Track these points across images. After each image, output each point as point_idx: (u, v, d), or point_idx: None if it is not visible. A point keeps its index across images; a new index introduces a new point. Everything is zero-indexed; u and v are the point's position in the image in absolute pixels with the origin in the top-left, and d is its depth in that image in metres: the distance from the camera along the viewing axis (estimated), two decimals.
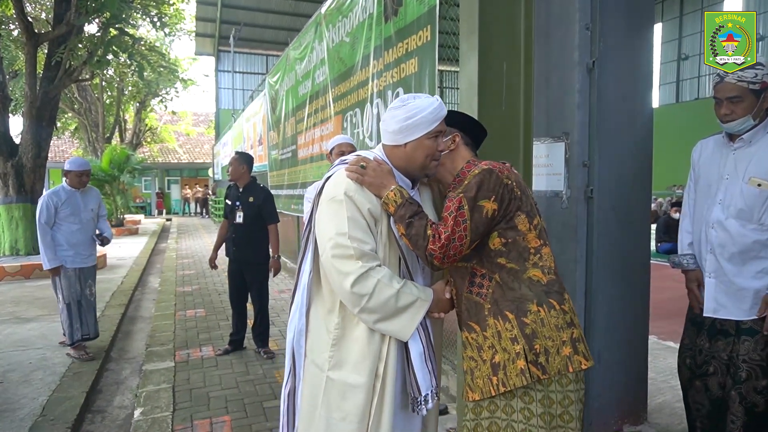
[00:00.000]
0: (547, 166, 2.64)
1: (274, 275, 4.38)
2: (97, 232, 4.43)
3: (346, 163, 1.64)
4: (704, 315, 2.21)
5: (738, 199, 2.09)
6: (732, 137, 2.17)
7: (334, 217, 1.54)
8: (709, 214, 2.19)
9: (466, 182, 1.53)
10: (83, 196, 4.28)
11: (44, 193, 9.00)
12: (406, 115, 1.57)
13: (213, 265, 4.62)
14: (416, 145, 1.59)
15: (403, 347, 1.59)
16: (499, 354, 1.50)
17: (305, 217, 3.03)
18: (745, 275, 2.09)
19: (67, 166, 4.23)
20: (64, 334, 4.28)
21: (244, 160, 4.41)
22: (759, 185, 2.04)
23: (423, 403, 1.59)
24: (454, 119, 1.72)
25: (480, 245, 1.54)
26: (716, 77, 2.15)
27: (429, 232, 1.49)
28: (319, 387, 1.60)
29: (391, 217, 1.56)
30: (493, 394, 1.50)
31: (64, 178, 4.29)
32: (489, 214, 1.49)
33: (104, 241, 4.44)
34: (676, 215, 9.36)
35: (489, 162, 1.58)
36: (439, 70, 3.39)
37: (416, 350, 1.58)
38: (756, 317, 2.09)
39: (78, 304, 4.18)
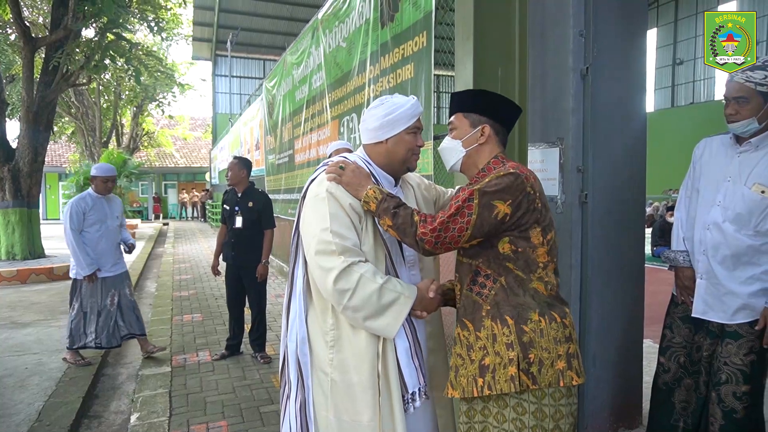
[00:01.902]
0: (542, 171, 2.65)
1: (260, 280, 4.37)
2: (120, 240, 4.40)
3: (328, 165, 1.69)
4: (692, 315, 2.22)
5: (738, 203, 2.06)
6: (739, 139, 2.14)
7: (317, 213, 1.58)
8: (706, 215, 2.17)
9: (487, 179, 1.49)
10: (108, 203, 4.26)
11: (40, 198, 8.87)
12: (386, 112, 1.65)
13: (216, 272, 4.60)
14: (397, 140, 1.66)
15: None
16: (490, 357, 1.48)
17: None
18: (735, 280, 2.09)
19: (93, 172, 4.23)
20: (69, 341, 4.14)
21: (244, 164, 4.42)
22: (763, 192, 2.01)
23: (410, 401, 1.59)
24: (484, 104, 1.65)
25: (488, 246, 1.51)
26: (728, 76, 2.12)
27: (417, 218, 1.49)
28: (326, 392, 1.60)
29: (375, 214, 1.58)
30: (476, 395, 1.48)
31: (90, 185, 4.27)
32: (499, 216, 1.45)
33: (131, 249, 4.41)
34: (671, 219, 9.39)
35: (517, 164, 1.54)
36: (435, 74, 3.42)
37: (402, 347, 1.58)
38: (741, 322, 2.09)
39: (97, 314, 4.11)
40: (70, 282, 4.23)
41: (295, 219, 1.73)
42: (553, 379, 1.45)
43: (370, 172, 1.67)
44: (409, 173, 1.80)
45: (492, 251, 1.51)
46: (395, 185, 1.74)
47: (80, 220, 4.06)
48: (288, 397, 1.70)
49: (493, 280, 1.51)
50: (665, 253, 2.39)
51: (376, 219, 1.59)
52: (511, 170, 1.48)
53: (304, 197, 1.68)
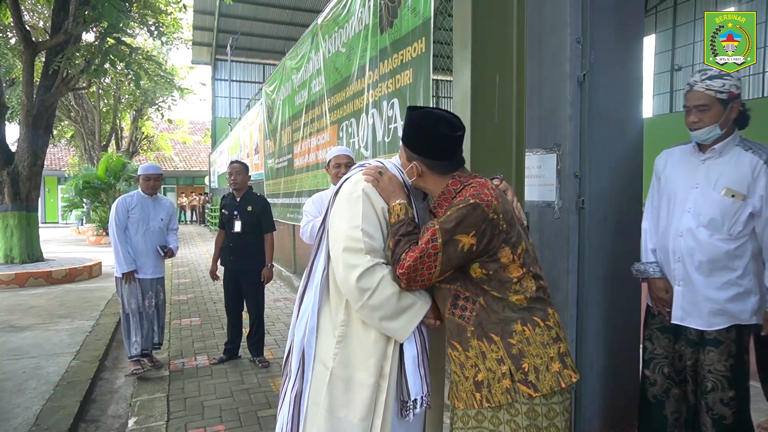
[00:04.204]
0: (540, 177, 2.67)
1: (265, 283, 4.39)
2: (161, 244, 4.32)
3: (364, 166, 1.72)
4: (671, 322, 2.24)
5: (710, 208, 2.11)
6: (702, 147, 2.20)
7: (350, 210, 1.60)
8: (678, 223, 2.20)
9: (448, 213, 1.48)
10: (154, 204, 4.24)
11: (39, 201, 8.88)
12: None
13: (214, 276, 4.59)
14: None
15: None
16: (483, 373, 1.51)
17: (302, 228, 3.06)
18: (711, 285, 2.12)
19: (138, 171, 4.27)
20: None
21: (247, 169, 4.46)
22: (733, 196, 2.07)
23: (411, 408, 1.61)
24: (413, 141, 1.59)
25: (462, 272, 1.53)
26: (687, 86, 2.19)
27: (403, 255, 1.50)
28: (322, 385, 1.61)
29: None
30: (476, 407, 1.52)
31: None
32: (465, 248, 1.46)
33: (168, 253, 4.31)
34: None
35: (477, 187, 1.52)
36: (434, 79, 3.44)
37: (410, 353, 1.61)
38: (719, 328, 2.12)
39: (140, 316, 4.10)
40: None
41: (310, 222, 1.75)
42: (554, 382, 1.47)
43: (402, 179, 1.69)
44: None
45: (467, 276, 1.54)
46: (423, 198, 1.76)
47: (124, 218, 4.08)
48: (287, 384, 1.72)
49: (473, 302, 1.53)
50: (635, 265, 2.42)
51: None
52: (471, 200, 1.46)
53: (336, 194, 1.71)
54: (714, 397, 2.11)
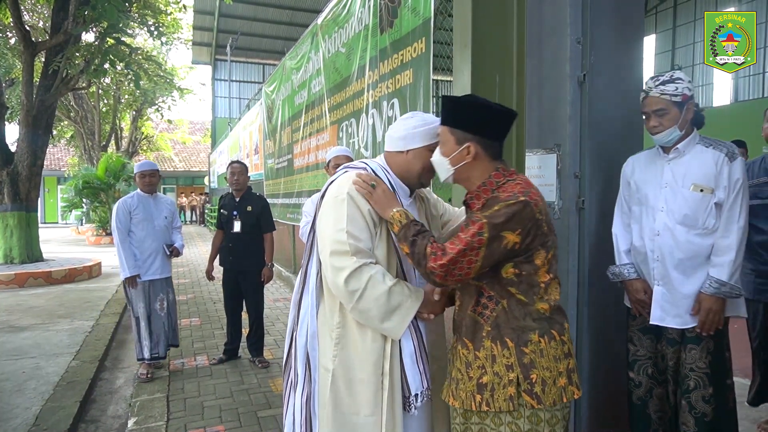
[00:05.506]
0: (540, 177, 2.67)
1: (265, 283, 4.39)
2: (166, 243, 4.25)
3: (349, 169, 1.73)
4: (650, 323, 2.24)
5: (682, 205, 2.15)
6: (666, 149, 2.25)
7: (335, 214, 1.62)
8: (653, 223, 2.23)
9: (496, 208, 1.44)
10: (156, 202, 4.21)
11: (39, 201, 8.86)
12: (415, 124, 1.68)
13: (210, 277, 4.58)
14: (417, 154, 1.68)
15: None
16: (488, 376, 1.50)
17: (301, 228, 3.06)
18: (690, 283, 2.14)
19: (134, 170, 4.21)
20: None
21: (247, 169, 4.46)
22: (701, 191, 2.12)
23: (413, 402, 1.63)
24: (470, 119, 1.53)
25: (492, 270, 1.50)
26: (642, 93, 2.24)
27: (429, 250, 1.47)
28: (326, 387, 1.65)
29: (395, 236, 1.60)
30: (474, 409, 1.51)
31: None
32: (509, 245, 1.43)
33: (174, 252, 4.25)
34: None
35: (524, 184, 1.50)
36: (434, 79, 3.43)
37: (407, 349, 1.63)
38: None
39: (148, 320, 4.05)
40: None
41: (312, 217, 1.78)
42: (557, 396, 1.48)
43: (388, 179, 1.70)
44: (422, 188, 1.83)
45: (496, 275, 1.51)
46: (410, 195, 1.78)
47: (126, 220, 4.02)
48: (293, 388, 1.75)
49: (496, 302, 1.52)
50: (610, 269, 2.43)
51: (394, 239, 1.63)
52: (521, 198, 1.43)
53: (322, 197, 1.72)
54: (696, 396, 2.13)
